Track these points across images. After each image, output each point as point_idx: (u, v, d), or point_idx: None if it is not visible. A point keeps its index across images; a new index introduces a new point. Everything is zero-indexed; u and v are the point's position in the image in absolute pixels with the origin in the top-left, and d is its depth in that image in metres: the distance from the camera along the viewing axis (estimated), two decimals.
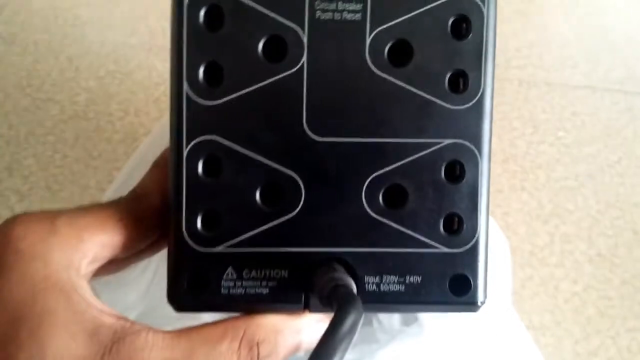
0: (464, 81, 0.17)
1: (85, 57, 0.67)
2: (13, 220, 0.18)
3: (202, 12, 0.17)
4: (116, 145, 0.59)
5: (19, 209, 0.55)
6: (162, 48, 0.69)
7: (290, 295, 0.18)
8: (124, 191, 0.21)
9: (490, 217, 0.21)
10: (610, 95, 0.70)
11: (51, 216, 0.18)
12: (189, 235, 0.18)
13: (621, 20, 0.81)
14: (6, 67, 0.66)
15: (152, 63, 0.67)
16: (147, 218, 0.19)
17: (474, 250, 0.18)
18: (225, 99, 0.17)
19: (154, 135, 0.37)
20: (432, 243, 0.18)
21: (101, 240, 0.18)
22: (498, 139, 0.63)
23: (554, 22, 0.79)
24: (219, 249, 0.18)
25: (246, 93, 0.17)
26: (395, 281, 0.18)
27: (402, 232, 0.18)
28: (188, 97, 0.17)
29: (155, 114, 0.63)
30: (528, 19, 0.78)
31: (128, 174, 0.32)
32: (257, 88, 0.17)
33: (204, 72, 0.17)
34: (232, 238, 0.18)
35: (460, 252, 0.18)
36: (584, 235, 0.56)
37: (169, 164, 0.18)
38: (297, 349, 0.18)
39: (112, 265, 0.20)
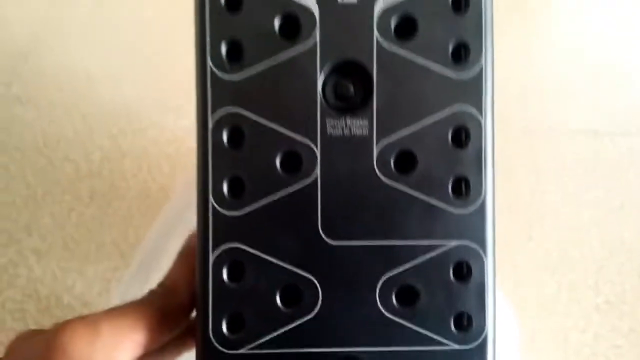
0: (466, 186, 0.19)
1: (98, 115, 0.69)
2: (63, 327, 0.20)
3: (224, 133, 0.18)
4: (130, 202, 0.61)
5: (37, 268, 0.57)
6: (174, 104, 0.71)
7: None
8: (147, 266, 0.23)
9: (498, 288, 0.22)
10: (611, 138, 0.71)
11: (94, 320, 0.20)
12: (215, 338, 0.19)
13: (622, 60, 0.83)
14: (23, 128, 0.68)
15: (164, 119, 0.69)
16: (176, 313, 0.21)
17: (483, 346, 0.19)
18: (247, 210, 0.19)
19: (172, 205, 0.38)
20: (444, 341, 0.19)
21: (137, 339, 0.20)
22: (502, 189, 0.64)
23: (554, 66, 0.80)
24: (243, 350, 0.19)
25: (266, 204, 0.19)
26: None
27: (415, 331, 0.19)
28: (214, 209, 0.19)
29: (167, 170, 0.65)
30: (529, 63, 0.80)
31: (149, 249, 0.34)
32: (276, 199, 0.19)
33: (228, 185, 0.19)
34: (255, 340, 0.19)
35: (471, 348, 0.19)
36: (591, 283, 0.57)
37: (196, 271, 0.19)
38: None
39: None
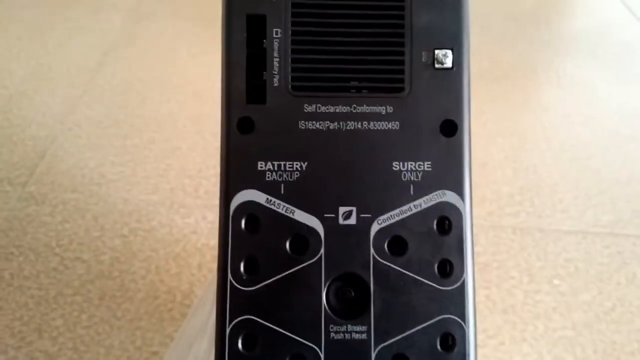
0: None
1: (110, 216, 0.73)
2: None
3: (240, 338, 0.22)
4: (138, 305, 0.64)
5: None
6: (181, 204, 0.75)
7: None
8: None
9: None
10: (600, 239, 0.75)
11: None
12: None
13: (607, 162, 0.88)
14: (37, 227, 0.72)
15: (172, 219, 0.73)
16: None
17: None
18: None
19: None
20: None
21: None
22: (497, 289, 0.67)
23: (543, 167, 0.85)
24: None
25: None
26: None
27: None
28: None
29: (174, 271, 0.68)
30: (519, 165, 0.85)
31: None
32: None
33: None
34: None
35: None
36: None
37: None
38: None
39: None
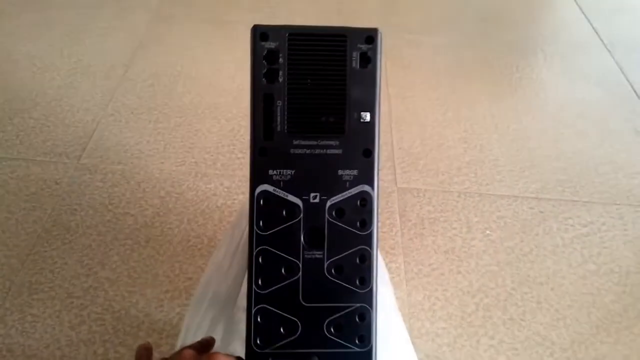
0: (365, 280, 0.42)
1: (149, 182, 0.96)
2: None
3: (260, 257, 0.44)
4: (176, 246, 0.87)
5: (110, 290, 0.82)
6: (204, 174, 0.98)
7: None
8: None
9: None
10: (527, 202, 0.98)
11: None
12: (257, 287, 0.44)
13: (541, 142, 1.11)
14: (92, 190, 0.95)
15: (197, 185, 0.96)
16: None
17: None
18: (269, 289, 0.43)
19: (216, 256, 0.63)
20: None
21: None
22: (441, 236, 0.91)
23: (488, 146, 1.08)
24: (267, 290, 0.44)
25: (276, 288, 0.42)
26: None
27: None
28: (254, 290, 0.43)
29: (201, 222, 0.91)
30: (468, 145, 1.08)
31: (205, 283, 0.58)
32: (281, 285, 0.42)
33: (261, 279, 0.43)
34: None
35: None
36: (501, 305, 0.83)
37: None
38: None
39: None
